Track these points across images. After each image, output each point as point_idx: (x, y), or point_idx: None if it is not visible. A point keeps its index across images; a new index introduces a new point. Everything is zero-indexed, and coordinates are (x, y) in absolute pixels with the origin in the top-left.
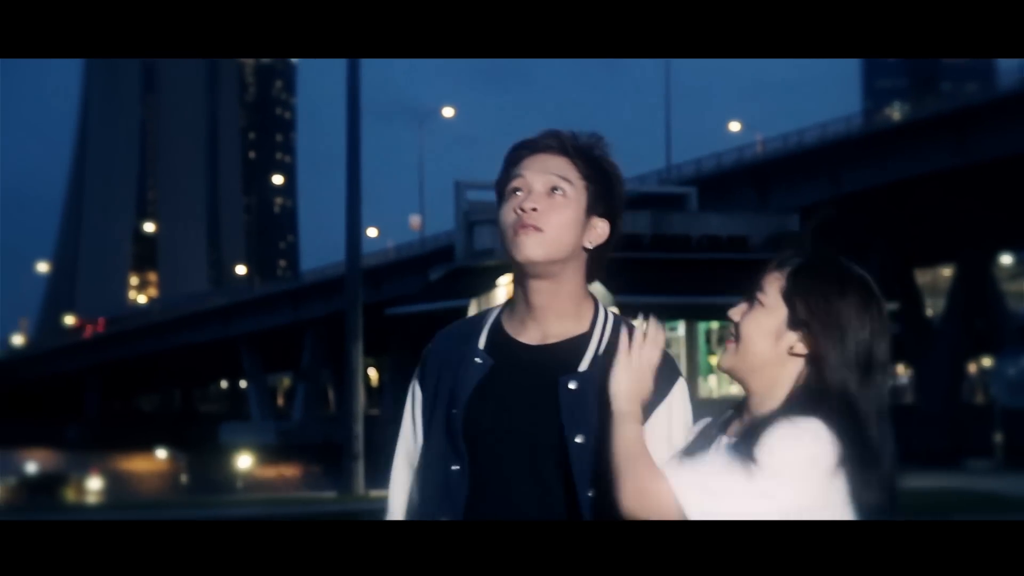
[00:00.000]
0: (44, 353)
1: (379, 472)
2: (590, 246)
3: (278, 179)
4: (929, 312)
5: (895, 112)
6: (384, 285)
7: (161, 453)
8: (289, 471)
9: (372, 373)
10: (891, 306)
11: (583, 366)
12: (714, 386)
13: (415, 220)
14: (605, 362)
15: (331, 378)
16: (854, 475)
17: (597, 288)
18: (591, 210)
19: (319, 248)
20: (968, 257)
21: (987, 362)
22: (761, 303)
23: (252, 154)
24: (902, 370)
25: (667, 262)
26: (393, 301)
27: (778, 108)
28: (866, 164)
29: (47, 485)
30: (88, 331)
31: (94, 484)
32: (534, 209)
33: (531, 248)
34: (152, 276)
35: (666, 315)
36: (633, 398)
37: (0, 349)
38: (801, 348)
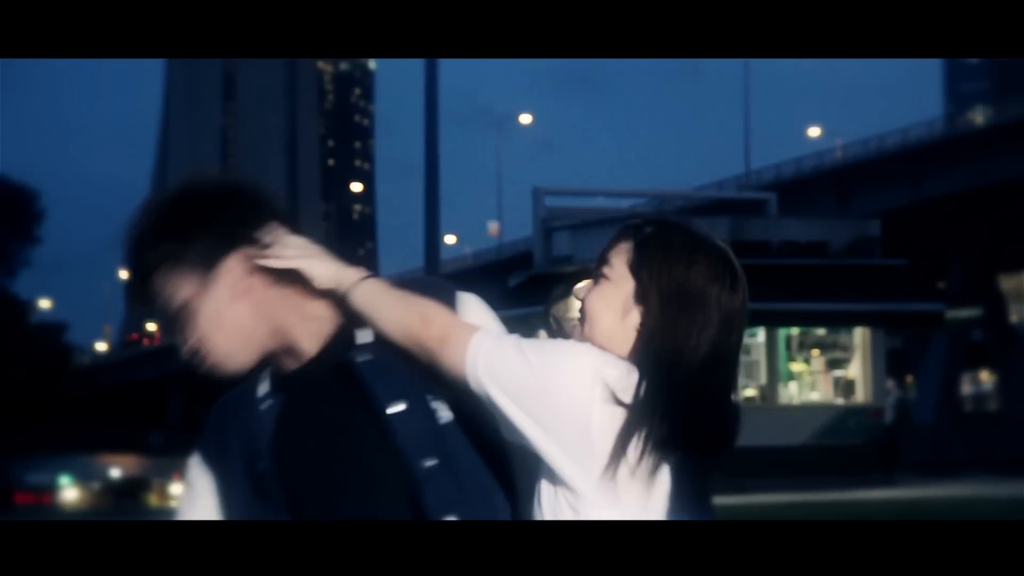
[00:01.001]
0: (127, 359)
1: None
2: None
3: (357, 186)
4: (1013, 318)
5: (978, 116)
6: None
7: None
8: None
9: None
10: (974, 312)
11: (365, 337)
12: (794, 392)
13: (493, 226)
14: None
15: None
16: (638, 420)
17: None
18: None
19: (398, 255)
20: None
21: None
22: (607, 277)
23: (331, 161)
24: (987, 376)
25: (746, 268)
26: None
27: (858, 112)
28: (949, 169)
29: (131, 489)
30: (145, 344)
31: (176, 489)
32: None
33: None
34: None
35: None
36: (340, 267)
37: (84, 355)
38: (644, 322)
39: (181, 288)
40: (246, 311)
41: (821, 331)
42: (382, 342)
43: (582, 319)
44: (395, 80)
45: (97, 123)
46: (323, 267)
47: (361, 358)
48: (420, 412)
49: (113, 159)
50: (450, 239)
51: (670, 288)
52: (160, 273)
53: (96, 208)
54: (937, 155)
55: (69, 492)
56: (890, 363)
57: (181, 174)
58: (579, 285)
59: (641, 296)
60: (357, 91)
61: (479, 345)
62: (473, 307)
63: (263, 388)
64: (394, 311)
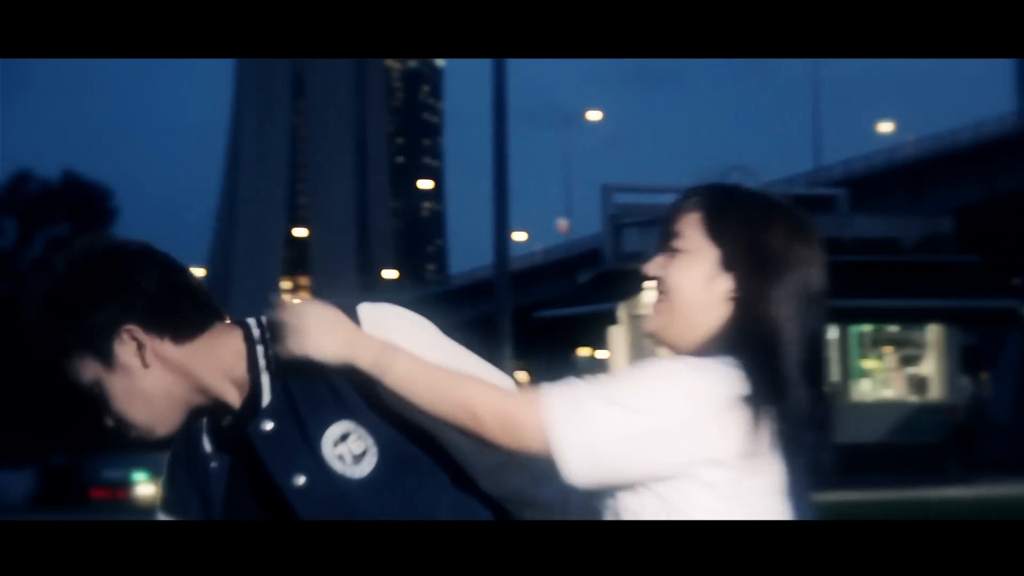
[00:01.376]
0: None
1: None
2: None
3: (426, 183)
4: None
5: None
6: (532, 288)
7: None
8: None
9: (521, 376)
10: None
11: (264, 398)
12: (867, 390)
13: (563, 223)
14: (290, 387)
15: None
16: (760, 407)
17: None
18: None
19: (467, 252)
20: None
21: None
22: (682, 249)
23: (400, 159)
24: None
25: None
26: (541, 305)
27: (929, 108)
28: (1022, 165)
29: None
30: None
31: None
32: None
33: None
34: (304, 280)
35: None
36: (354, 341)
37: None
38: (734, 290)
39: (85, 371)
40: (160, 376)
41: (894, 328)
42: (281, 410)
43: (662, 295)
44: (463, 77)
45: (168, 122)
46: (330, 348)
47: (262, 427)
48: (323, 482)
49: (184, 158)
50: (519, 236)
51: (755, 250)
52: (61, 362)
53: (168, 207)
54: (1010, 150)
55: (143, 487)
56: (965, 360)
57: (251, 173)
58: (650, 263)
59: (727, 263)
60: (426, 88)
61: (563, 431)
62: (392, 323)
63: (207, 444)
64: (433, 405)
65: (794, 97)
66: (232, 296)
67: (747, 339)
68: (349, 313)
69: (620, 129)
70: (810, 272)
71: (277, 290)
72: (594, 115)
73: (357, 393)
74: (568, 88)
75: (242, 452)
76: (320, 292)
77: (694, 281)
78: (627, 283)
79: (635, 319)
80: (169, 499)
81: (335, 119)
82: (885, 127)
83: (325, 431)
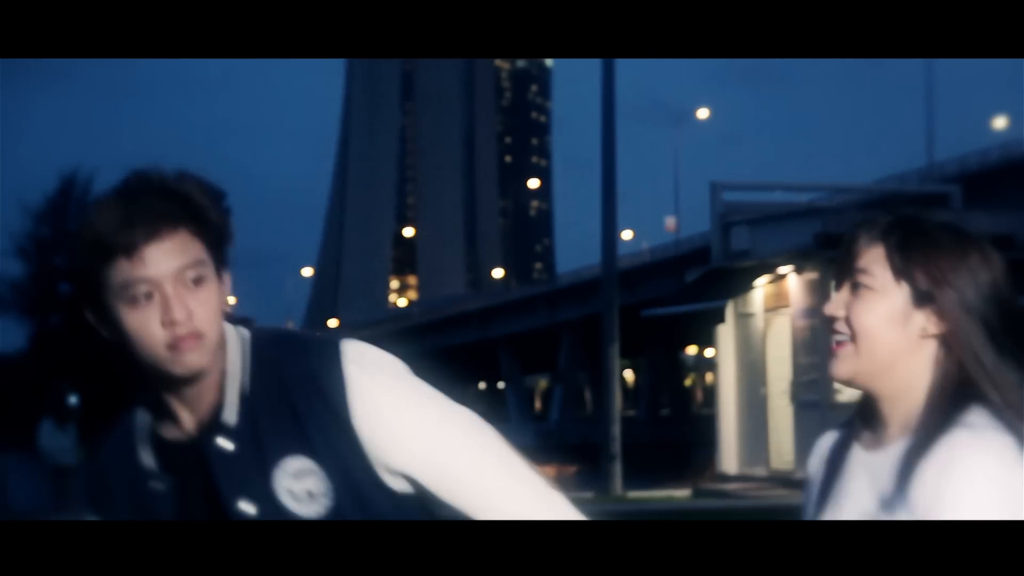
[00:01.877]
0: None
1: (636, 473)
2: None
3: (534, 183)
4: None
5: None
6: (639, 287)
7: None
8: (547, 472)
9: (628, 375)
10: None
11: (231, 416)
12: None
13: (670, 221)
14: (257, 410)
15: (587, 380)
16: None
17: None
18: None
19: (575, 250)
20: None
21: None
22: (868, 287)
23: (508, 158)
24: None
25: None
26: (649, 303)
27: None
28: None
29: None
30: None
31: None
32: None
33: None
34: (412, 280)
35: None
36: None
37: None
38: (933, 327)
39: (189, 248)
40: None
41: None
42: (251, 423)
43: (853, 338)
44: (572, 76)
45: (280, 123)
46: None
47: (220, 445)
48: (271, 515)
49: (296, 158)
50: (627, 234)
51: (954, 284)
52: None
53: (278, 207)
54: None
55: None
56: None
57: (360, 174)
58: (832, 301)
59: (919, 300)
60: (534, 88)
61: None
62: (374, 367)
63: (148, 459)
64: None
65: (907, 92)
66: (341, 295)
67: (974, 388)
68: (331, 349)
69: (729, 127)
70: (1008, 296)
71: (386, 289)
72: (703, 112)
73: (322, 432)
74: (677, 85)
75: (193, 471)
76: (427, 291)
77: (885, 321)
78: (735, 281)
79: (742, 317)
80: (101, 508)
81: (444, 119)
82: (1000, 122)
83: (282, 463)
